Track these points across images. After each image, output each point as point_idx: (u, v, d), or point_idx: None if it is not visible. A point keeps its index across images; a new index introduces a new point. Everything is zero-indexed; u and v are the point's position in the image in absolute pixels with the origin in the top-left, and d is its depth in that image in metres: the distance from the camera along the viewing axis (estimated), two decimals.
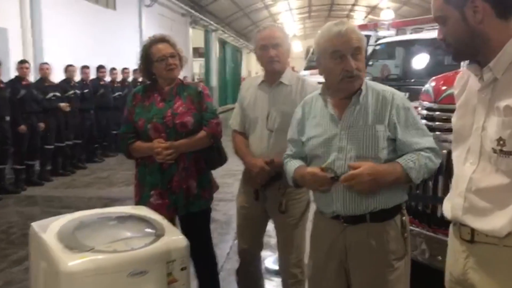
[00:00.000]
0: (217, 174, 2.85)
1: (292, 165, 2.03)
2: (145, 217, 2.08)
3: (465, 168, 1.41)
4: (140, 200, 2.68)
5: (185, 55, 2.76)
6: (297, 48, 24.05)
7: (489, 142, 1.32)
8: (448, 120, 2.78)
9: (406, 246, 1.89)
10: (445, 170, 2.69)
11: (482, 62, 1.36)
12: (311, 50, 11.19)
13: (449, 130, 2.78)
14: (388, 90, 1.92)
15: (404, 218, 1.92)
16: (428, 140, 1.88)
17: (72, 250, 1.75)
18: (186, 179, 2.62)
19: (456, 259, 1.46)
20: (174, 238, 1.98)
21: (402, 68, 8.05)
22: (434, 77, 2.97)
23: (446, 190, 2.73)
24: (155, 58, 2.61)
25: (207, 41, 20.33)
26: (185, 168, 2.62)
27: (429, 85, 2.90)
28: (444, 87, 2.76)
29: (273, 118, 2.51)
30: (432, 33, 7.72)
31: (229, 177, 5.57)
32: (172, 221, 2.71)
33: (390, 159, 1.84)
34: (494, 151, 1.31)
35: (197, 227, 2.71)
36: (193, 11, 17.66)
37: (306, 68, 10.88)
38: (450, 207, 1.48)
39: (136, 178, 2.75)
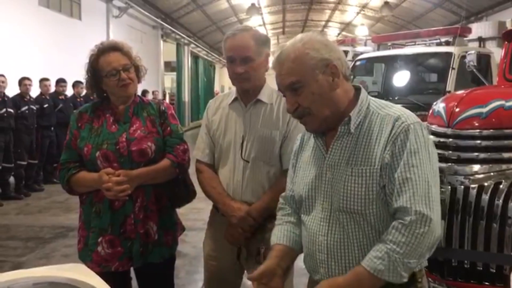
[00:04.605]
0: None
1: (275, 234, 1.57)
2: (76, 285, 1.50)
3: None
4: (84, 248, 2.12)
5: (143, 65, 2.21)
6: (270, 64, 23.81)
7: None
8: (464, 148, 2.38)
9: None
10: (461, 208, 2.24)
11: None
12: None
13: (465, 161, 2.41)
14: (392, 112, 1.36)
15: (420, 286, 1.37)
16: (418, 199, 1.27)
17: None
18: (144, 221, 2.08)
19: None
20: None
21: (383, 84, 7.71)
22: (444, 97, 2.53)
23: (461, 234, 2.29)
24: (104, 72, 2.06)
25: (179, 54, 19.93)
26: (144, 207, 2.08)
27: (440, 106, 2.41)
28: (458, 109, 2.30)
29: (249, 145, 2.00)
30: (414, 49, 7.44)
31: (200, 201, 4.97)
32: (126, 275, 2.17)
33: (381, 214, 1.34)
34: None
35: (156, 283, 2.17)
36: (164, 24, 17.28)
37: None
38: None
39: (80, 219, 2.19)
